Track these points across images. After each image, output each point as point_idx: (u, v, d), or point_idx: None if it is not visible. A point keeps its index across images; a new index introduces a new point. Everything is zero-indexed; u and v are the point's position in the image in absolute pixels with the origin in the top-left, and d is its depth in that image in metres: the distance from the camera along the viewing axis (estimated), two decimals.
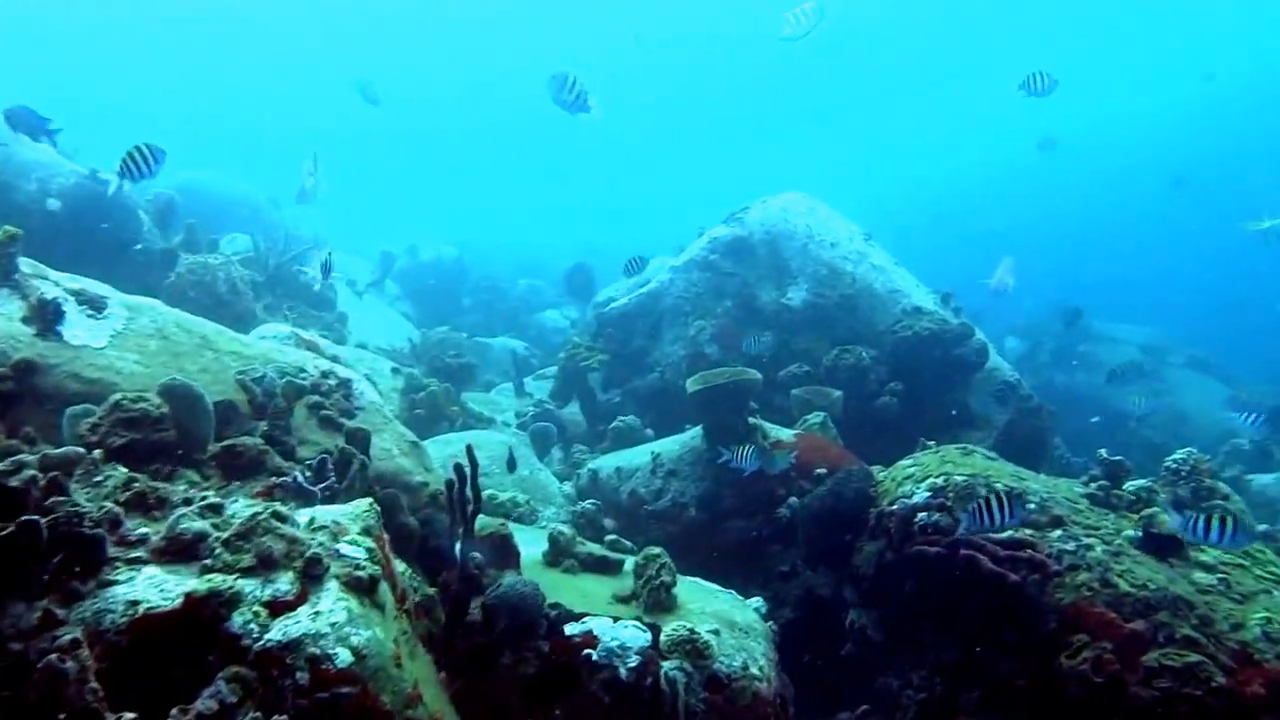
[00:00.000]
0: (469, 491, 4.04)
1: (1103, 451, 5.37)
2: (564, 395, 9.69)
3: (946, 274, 10.86)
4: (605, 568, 5.26)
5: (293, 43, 43.42)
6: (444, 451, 6.88)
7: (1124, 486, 4.93)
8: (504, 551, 4.54)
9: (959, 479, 4.98)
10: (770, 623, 5.28)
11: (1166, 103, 45.67)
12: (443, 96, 48.06)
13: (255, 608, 2.68)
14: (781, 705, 4.51)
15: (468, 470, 4.00)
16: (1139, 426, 15.30)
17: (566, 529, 5.30)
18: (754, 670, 4.45)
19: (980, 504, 4.13)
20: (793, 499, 6.83)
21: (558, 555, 5.22)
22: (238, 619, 2.64)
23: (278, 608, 2.72)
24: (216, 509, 3.00)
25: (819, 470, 6.87)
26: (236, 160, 23.60)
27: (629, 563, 5.28)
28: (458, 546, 4.17)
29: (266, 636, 2.62)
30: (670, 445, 7.85)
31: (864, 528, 5.41)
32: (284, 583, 2.78)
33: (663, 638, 4.32)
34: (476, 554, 4.37)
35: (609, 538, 6.13)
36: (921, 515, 4.90)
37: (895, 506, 5.13)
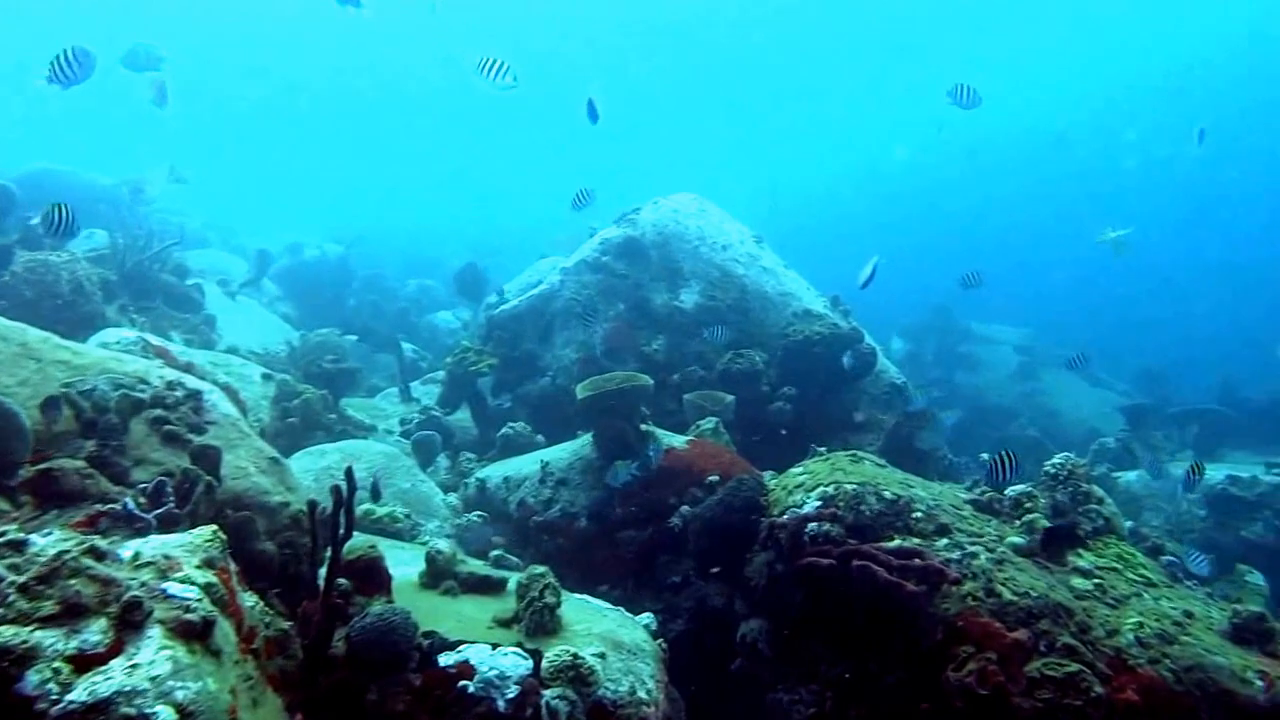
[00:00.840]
0: (341, 516, 3.71)
1: (984, 455, 5.40)
2: (452, 401, 9.30)
3: (833, 277, 10.96)
4: (488, 588, 4.97)
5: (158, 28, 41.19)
6: (318, 464, 6.45)
7: (1005, 491, 4.96)
8: (373, 576, 4.20)
9: (849, 488, 4.91)
10: (660, 640, 5.09)
11: (1045, 107, 48.00)
12: (334, 88, 46.55)
13: (56, 664, 2.30)
14: None
15: (345, 491, 3.67)
16: (1018, 425, 15.93)
17: (446, 547, 4.98)
18: (641, 694, 4.25)
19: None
20: (685, 508, 6.69)
21: (436, 576, 4.90)
22: (33, 678, 2.26)
23: (85, 662, 2.35)
24: (18, 546, 2.59)
25: (711, 478, 6.75)
26: (98, 153, 22.14)
27: (513, 581, 5.01)
28: (321, 573, 3.83)
29: (68, 698, 2.25)
30: (560, 453, 7.60)
31: (755, 538, 5.28)
32: (94, 632, 2.41)
33: (545, 664, 4.07)
34: (343, 581, 4.03)
35: (493, 553, 5.84)
36: (812, 525, 4.80)
37: (786, 517, 5.03)
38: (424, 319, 16.40)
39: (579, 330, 9.65)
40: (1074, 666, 3.63)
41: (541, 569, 4.76)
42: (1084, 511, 4.76)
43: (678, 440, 7.28)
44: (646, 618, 5.49)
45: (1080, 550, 4.61)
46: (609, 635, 4.67)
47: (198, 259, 12.74)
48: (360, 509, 5.94)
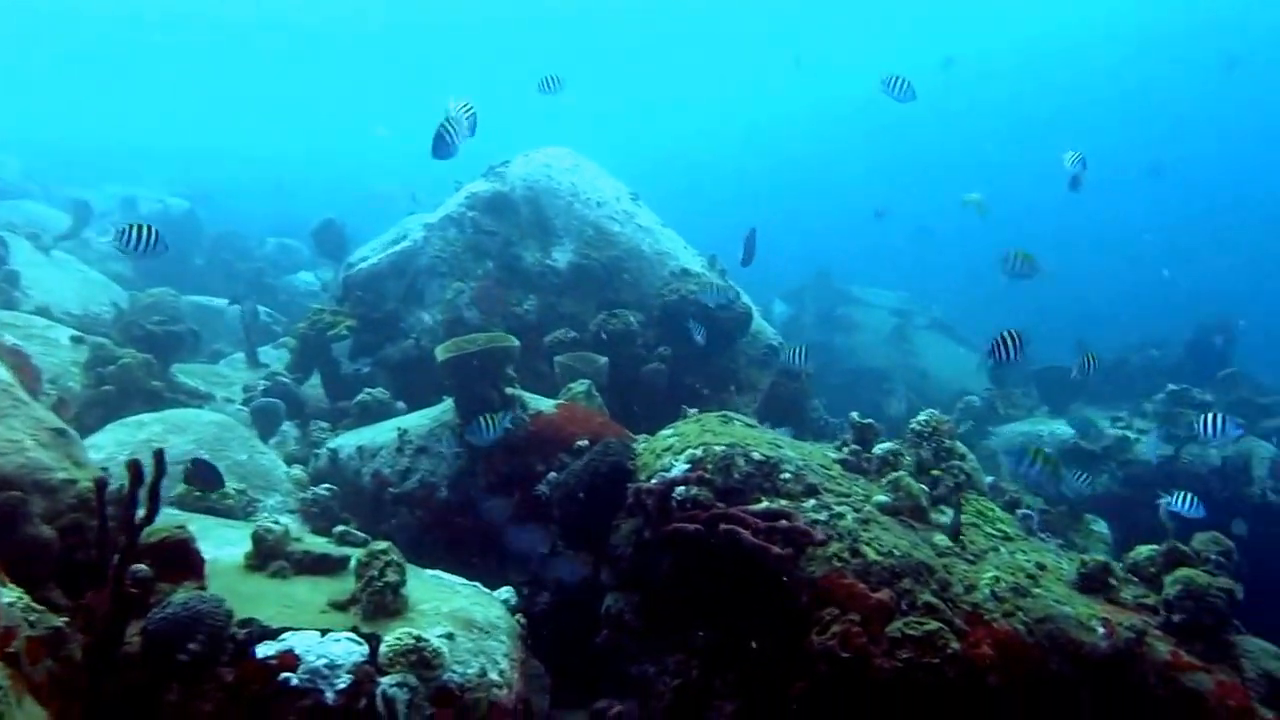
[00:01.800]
0: (142, 492, 3.20)
1: (854, 415, 5.30)
2: (304, 367, 8.64)
3: (711, 237, 10.79)
4: (325, 568, 4.53)
5: None
6: (136, 436, 5.78)
7: (872, 450, 4.85)
8: (181, 559, 3.71)
9: (718, 449, 4.69)
10: (519, 616, 4.78)
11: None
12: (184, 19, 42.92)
13: None
14: (524, 711, 4.03)
15: (148, 467, 3.16)
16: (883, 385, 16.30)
17: (276, 525, 4.50)
18: (493, 676, 3.93)
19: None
20: (552, 474, 6.37)
21: (265, 557, 4.42)
22: None
23: None
24: None
25: (580, 442, 6.44)
26: None
27: (355, 559, 4.57)
28: (115, 559, 3.31)
29: None
30: (420, 420, 7.14)
31: (622, 504, 5.02)
32: None
33: (383, 648, 3.69)
34: (143, 566, 3.52)
35: (338, 529, 5.37)
36: (680, 489, 4.56)
37: (653, 481, 4.78)
38: (283, 280, 15.39)
39: (445, 290, 9.12)
40: (933, 625, 3.52)
41: (383, 544, 4.35)
42: (947, 468, 4.70)
43: (546, 404, 6.93)
44: (505, 592, 5.16)
45: (942, 507, 4.54)
46: (460, 614, 4.32)
47: (9, 211, 11.41)
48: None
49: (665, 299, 8.73)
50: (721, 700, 4.16)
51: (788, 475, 4.50)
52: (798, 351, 7.78)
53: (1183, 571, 3.70)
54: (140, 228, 5.42)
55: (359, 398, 7.89)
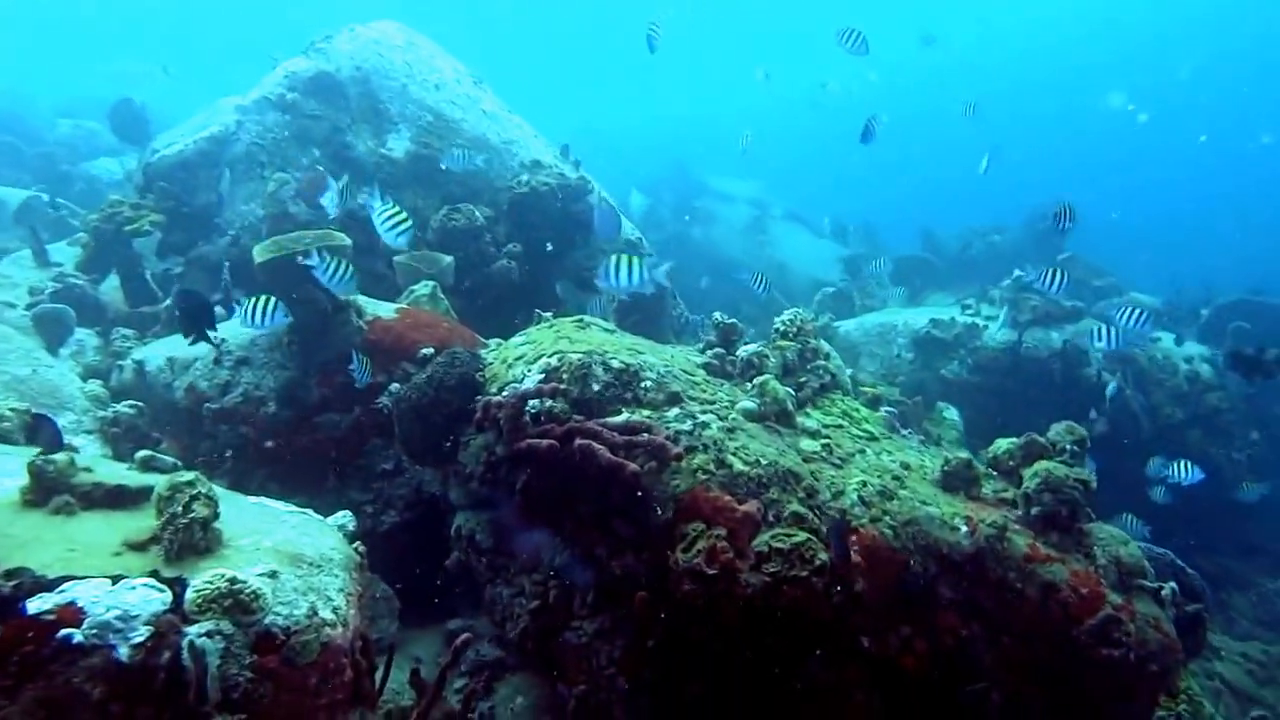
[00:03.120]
0: None
1: (717, 315, 5.03)
2: (99, 267, 7.60)
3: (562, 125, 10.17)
4: (122, 501, 3.90)
5: None
6: None
7: (736, 352, 4.61)
8: None
9: (574, 358, 4.32)
10: (357, 545, 4.34)
11: None
12: None
13: None
14: (362, 649, 3.65)
15: None
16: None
17: (61, 454, 3.82)
18: (325, 614, 3.50)
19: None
20: (395, 385, 5.87)
21: (45, 491, 3.75)
22: None
23: None
24: None
25: (425, 351, 5.95)
26: None
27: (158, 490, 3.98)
28: None
29: None
30: (241, 329, 6.39)
31: (471, 419, 4.60)
32: None
33: (191, 594, 3.19)
34: None
35: (142, 454, 4.70)
36: (533, 403, 4.19)
37: (504, 394, 4.38)
38: (80, 168, 13.58)
39: (266, 181, 8.17)
40: (801, 535, 3.36)
41: (188, 475, 3.76)
42: (811, 368, 4.53)
43: (386, 309, 6.35)
44: (342, 517, 4.68)
45: (808, 409, 4.38)
46: (285, 548, 3.83)
47: None
48: None
49: (515, 191, 8.14)
50: (581, 621, 3.93)
51: (649, 383, 4.20)
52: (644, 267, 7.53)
53: (1041, 464, 3.71)
54: None
55: (168, 303, 7.01)
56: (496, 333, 6.62)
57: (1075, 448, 3.93)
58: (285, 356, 6.19)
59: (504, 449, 4.44)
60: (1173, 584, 3.54)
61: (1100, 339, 6.38)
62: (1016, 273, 8.86)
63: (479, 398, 4.73)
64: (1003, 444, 4.16)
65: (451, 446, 4.79)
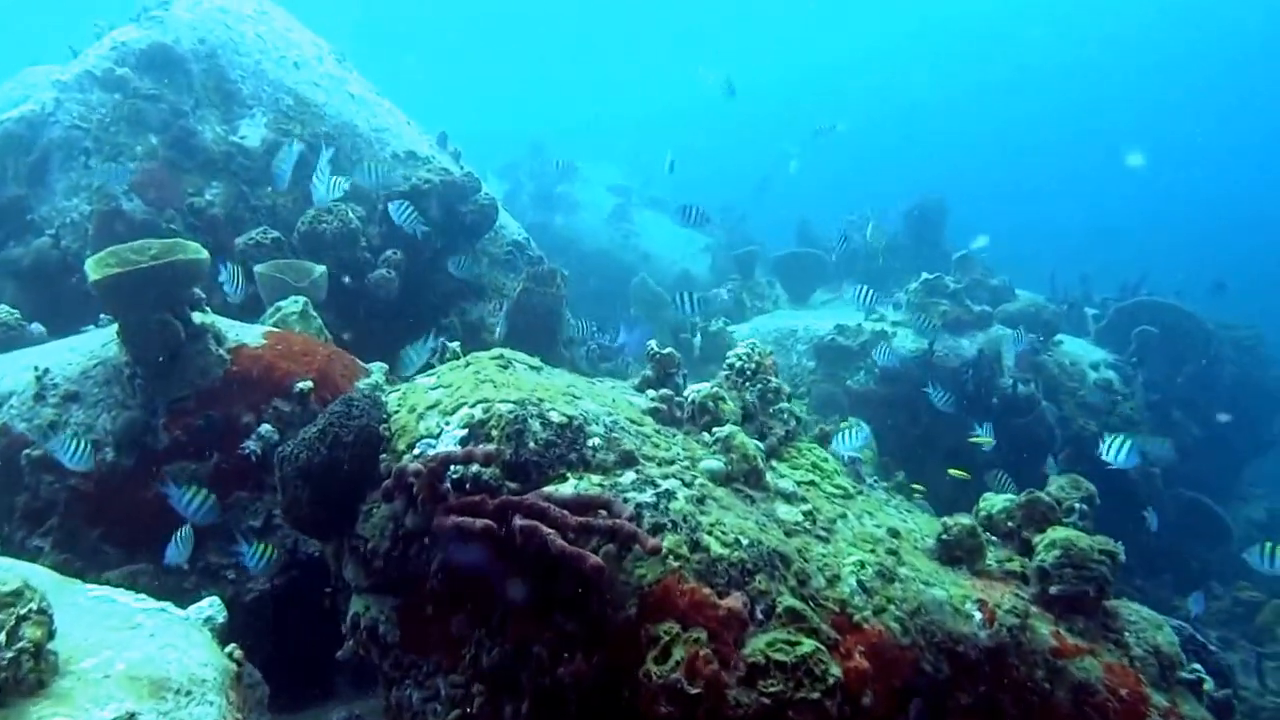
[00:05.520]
0: None
1: (652, 344, 4.44)
2: None
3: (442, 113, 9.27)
4: None
5: None
6: None
7: (686, 396, 4.04)
8: None
9: (504, 409, 3.63)
10: (231, 649, 3.51)
11: None
12: None
13: None
14: None
15: None
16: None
17: None
18: None
19: None
20: (265, 427, 4.98)
21: None
22: None
23: None
24: None
25: (301, 385, 5.07)
26: None
27: None
28: None
29: None
30: (69, 354, 5.33)
31: (374, 481, 3.83)
32: None
33: None
34: None
35: None
36: (457, 468, 3.47)
37: (417, 455, 3.64)
38: None
39: (92, 172, 6.92)
40: (807, 645, 2.84)
41: (13, 579, 2.85)
42: (774, 413, 4.02)
43: (251, 333, 5.39)
44: (209, 607, 3.79)
45: (773, 463, 3.87)
46: (144, 670, 2.96)
47: None
48: None
49: (393, 188, 7.22)
50: None
51: (597, 440, 3.56)
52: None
53: (1060, 534, 3.32)
54: None
55: None
56: (376, 356, 5.82)
57: (1084, 506, 3.61)
58: (126, 392, 5.15)
59: (417, 522, 3.70)
60: (1197, 666, 3.27)
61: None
62: (925, 275, 8.73)
63: (383, 456, 3.97)
64: (996, 501, 3.79)
65: (348, 516, 4.00)
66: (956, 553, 3.44)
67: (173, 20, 7.55)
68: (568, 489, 3.39)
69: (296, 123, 7.63)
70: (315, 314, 5.93)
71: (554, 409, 3.67)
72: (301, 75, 7.94)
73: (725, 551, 3.16)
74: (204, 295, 5.35)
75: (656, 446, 3.71)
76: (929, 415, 7.47)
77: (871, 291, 5.77)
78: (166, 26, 7.49)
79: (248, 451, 4.94)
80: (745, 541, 3.21)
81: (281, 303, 5.86)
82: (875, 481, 4.43)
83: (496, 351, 4.23)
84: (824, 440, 4.54)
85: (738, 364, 4.13)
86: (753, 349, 4.16)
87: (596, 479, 3.45)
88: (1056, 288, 11.15)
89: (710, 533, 3.22)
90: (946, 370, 7.63)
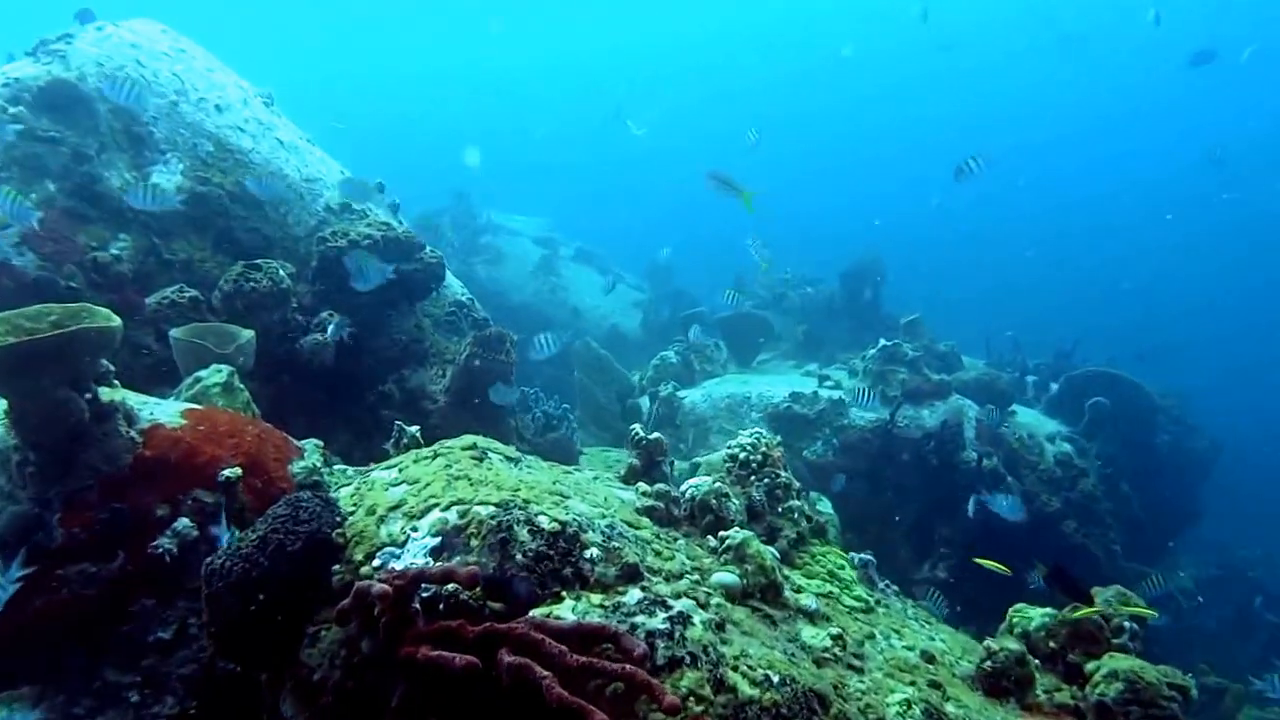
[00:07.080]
0: None
1: (636, 428, 3.99)
2: None
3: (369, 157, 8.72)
4: None
5: None
6: None
7: (684, 492, 3.60)
8: None
9: (483, 512, 3.11)
10: None
11: None
12: None
13: None
14: None
15: None
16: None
17: None
18: None
19: None
20: (183, 522, 4.29)
21: None
22: None
23: None
24: None
25: (227, 472, 4.40)
26: None
27: None
28: None
29: None
30: None
31: (324, 598, 3.25)
32: None
33: None
34: None
35: None
36: (429, 587, 2.93)
37: (378, 568, 3.08)
38: None
39: None
40: None
41: None
42: (784, 511, 3.60)
43: (167, 411, 4.70)
44: None
45: (786, 571, 3.45)
46: None
47: None
48: None
49: (328, 245, 6.61)
50: None
51: (595, 550, 3.07)
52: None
53: (1123, 664, 2.99)
54: None
55: None
56: (307, 433, 5.20)
57: (1135, 627, 3.29)
58: (15, 482, 4.40)
59: (375, 648, 3.13)
60: None
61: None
62: (883, 342, 8.53)
63: (336, 569, 3.38)
64: (1033, 616, 3.44)
65: (291, 638, 3.39)
66: (1004, 683, 3.06)
67: (76, 55, 6.82)
68: (564, 611, 2.89)
69: (217, 170, 6.97)
70: (241, 385, 5.27)
71: (543, 513, 3.17)
72: (225, 119, 7.29)
73: (755, 693, 2.70)
74: (113, 367, 4.66)
75: (659, 555, 3.24)
76: (892, 487, 7.20)
77: (870, 390, 5.43)
78: (69, 61, 6.75)
79: (160, 550, 4.24)
80: (776, 679, 2.75)
81: (201, 373, 5.18)
82: (886, 586, 4.05)
83: (469, 440, 3.71)
84: (820, 533, 4.14)
85: (741, 455, 3.71)
86: (758, 438, 3.75)
87: (597, 599, 2.96)
88: (992, 352, 11.17)
89: (736, 668, 2.76)
90: (910, 441, 7.40)
